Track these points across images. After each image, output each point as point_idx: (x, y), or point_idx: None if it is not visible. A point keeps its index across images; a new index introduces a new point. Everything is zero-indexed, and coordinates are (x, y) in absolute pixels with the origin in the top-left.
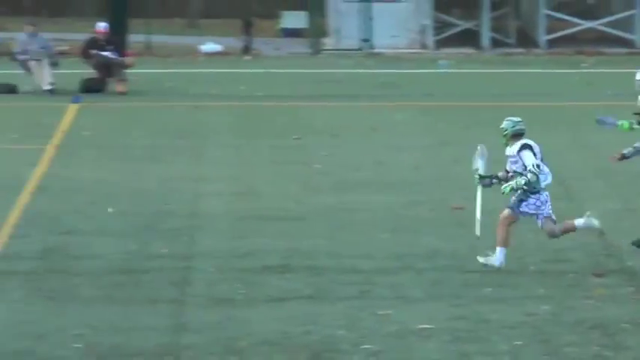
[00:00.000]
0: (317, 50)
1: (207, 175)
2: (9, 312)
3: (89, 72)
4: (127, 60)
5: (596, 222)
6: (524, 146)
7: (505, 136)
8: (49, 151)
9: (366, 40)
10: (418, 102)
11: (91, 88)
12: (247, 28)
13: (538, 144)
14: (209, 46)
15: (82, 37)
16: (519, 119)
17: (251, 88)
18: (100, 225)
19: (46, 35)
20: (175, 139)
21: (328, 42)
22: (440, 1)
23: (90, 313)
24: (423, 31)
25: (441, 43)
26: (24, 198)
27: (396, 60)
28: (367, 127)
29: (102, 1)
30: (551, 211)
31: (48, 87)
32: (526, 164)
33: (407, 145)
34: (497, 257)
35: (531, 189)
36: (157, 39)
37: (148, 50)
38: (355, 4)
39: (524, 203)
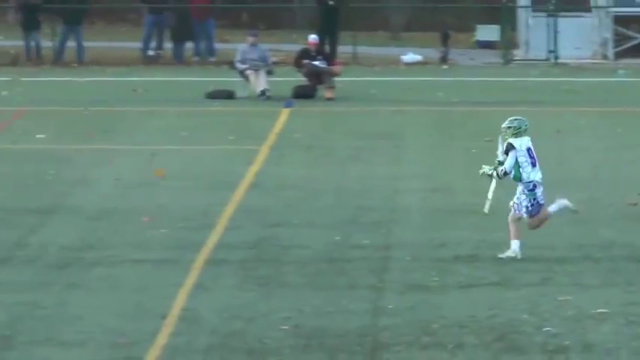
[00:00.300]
0: (508, 60)
1: (404, 173)
2: (224, 297)
3: (301, 80)
4: (335, 69)
5: (566, 201)
6: (511, 146)
7: (517, 134)
8: (263, 151)
9: (552, 52)
10: (599, 108)
11: (302, 94)
12: (445, 40)
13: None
14: (410, 57)
15: (295, 48)
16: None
17: (447, 94)
18: (308, 218)
19: (263, 46)
20: (376, 140)
21: (518, 53)
22: (620, 16)
23: (297, 298)
24: (604, 43)
25: (620, 55)
26: (239, 193)
27: (579, 70)
28: (552, 130)
29: (313, 15)
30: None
31: (261, 89)
32: (506, 165)
33: (588, 146)
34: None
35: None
36: (363, 50)
37: (355, 60)
38: (543, 18)
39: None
